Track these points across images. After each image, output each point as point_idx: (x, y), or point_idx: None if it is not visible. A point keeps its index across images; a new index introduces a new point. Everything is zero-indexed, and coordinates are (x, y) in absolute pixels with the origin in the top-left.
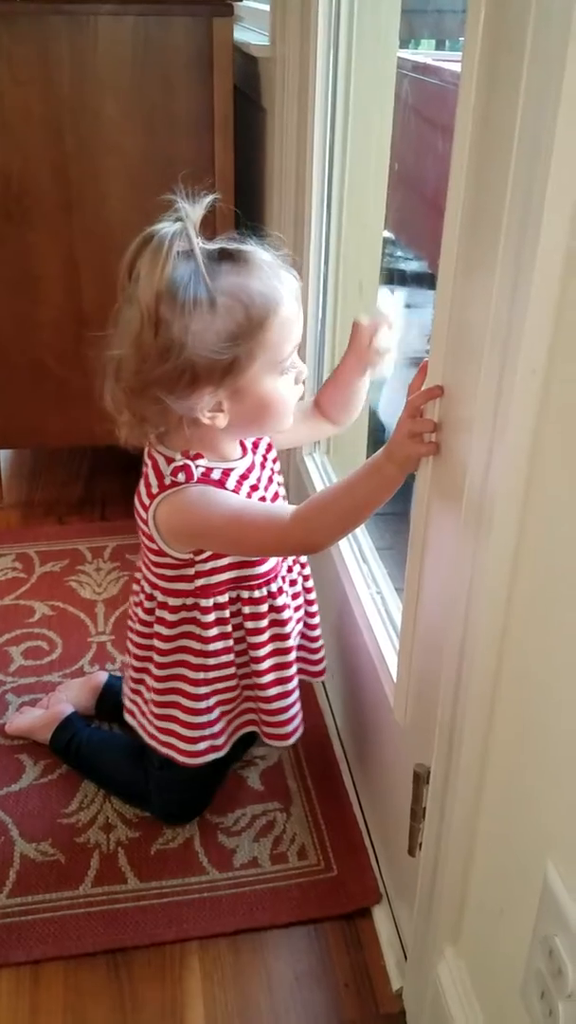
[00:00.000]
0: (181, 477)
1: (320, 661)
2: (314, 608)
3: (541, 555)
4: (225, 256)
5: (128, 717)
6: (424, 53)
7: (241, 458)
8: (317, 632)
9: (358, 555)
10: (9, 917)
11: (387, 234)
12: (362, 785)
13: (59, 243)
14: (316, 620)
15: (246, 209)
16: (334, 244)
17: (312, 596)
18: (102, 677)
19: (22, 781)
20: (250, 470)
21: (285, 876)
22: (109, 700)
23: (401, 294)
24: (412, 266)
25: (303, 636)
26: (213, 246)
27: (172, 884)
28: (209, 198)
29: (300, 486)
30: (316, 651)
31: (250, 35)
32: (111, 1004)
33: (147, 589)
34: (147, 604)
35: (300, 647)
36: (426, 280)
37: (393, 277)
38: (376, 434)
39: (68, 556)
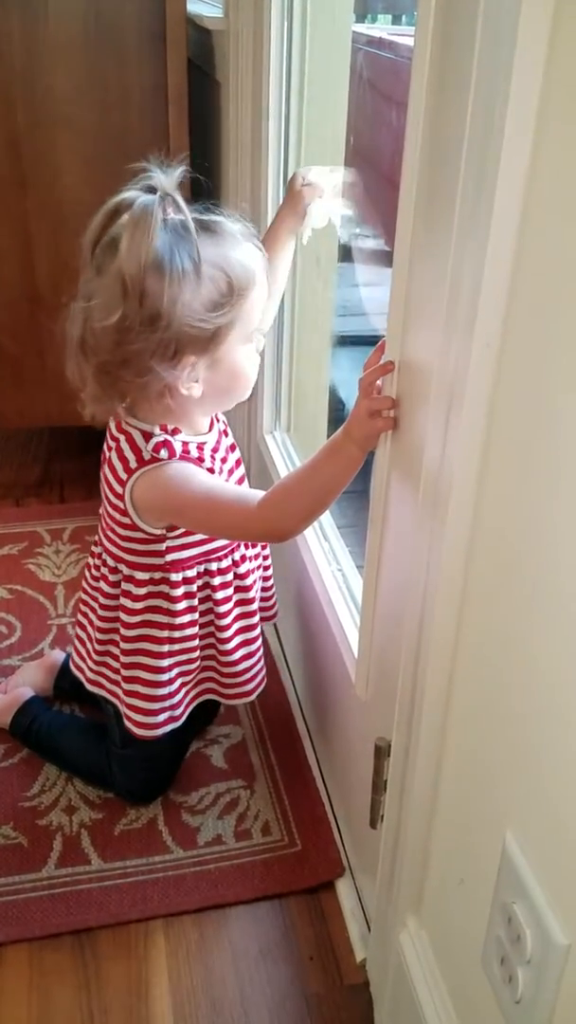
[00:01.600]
0: (164, 453)
1: (273, 605)
2: (269, 562)
3: (498, 530)
4: (201, 227)
5: (95, 688)
6: (380, 28)
7: (209, 431)
8: (269, 573)
9: (319, 533)
10: None
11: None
12: (325, 760)
13: (12, 220)
14: (268, 562)
15: (201, 183)
16: None
17: (267, 554)
18: (58, 657)
19: None
20: (218, 443)
21: (249, 852)
22: (67, 679)
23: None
24: (369, 243)
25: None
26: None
27: (136, 864)
28: (181, 168)
29: (261, 464)
30: (269, 597)
31: (203, 7)
32: (76, 983)
33: (110, 563)
34: (111, 577)
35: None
36: (383, 258)
37: (350, 254)
38: (336, 412)
39: (26, 539)
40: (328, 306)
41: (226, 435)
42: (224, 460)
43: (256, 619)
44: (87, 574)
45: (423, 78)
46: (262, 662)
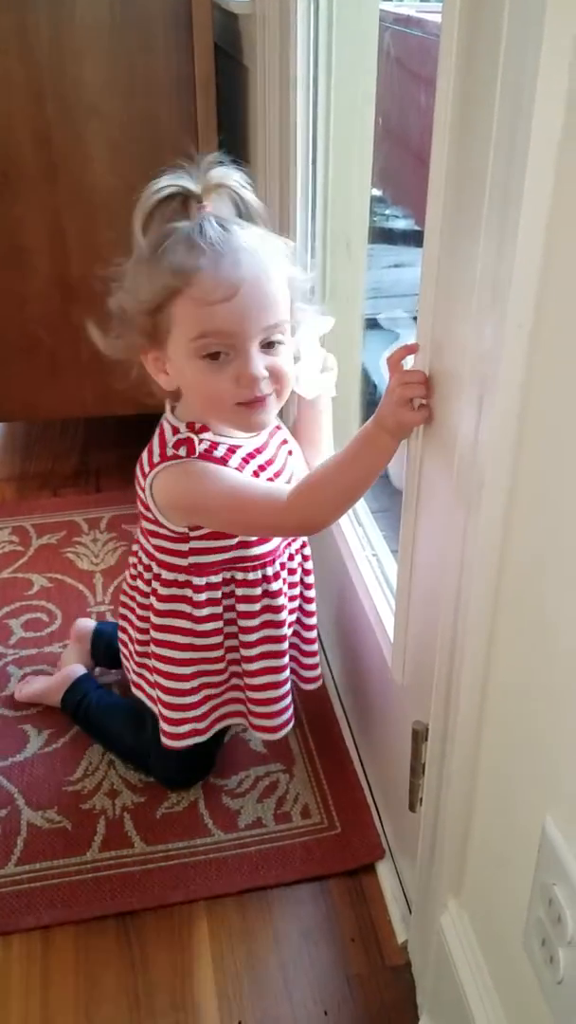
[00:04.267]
0: (182, 451)
1: (312, 668)
2: (311, 607)
3: (534, 510)
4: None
5: (136, 691)
6: (408, 5)
7: (251, 437)
8: (312, 635)
9: (353, 519)
10: (18, 884)
11: (374, 192)
12: (363, 744)
13: (44, 212)
14: (312, 621)
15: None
16: (320, 202)
17: (311, 596)
18: (88, 625)
19: (27, 751)
20: (259, 451)
21: (289, 835)
22: (101, 646)
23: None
24: (400, 224)
25: (297, 636)
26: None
27: (178, 847)
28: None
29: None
30: (309, 655)
31: None
32: (121, 966)
33: (144, 560)
34: (146, 575)
35: (292, 647)
36: (413, 238)
37: (381, 235)
38: (368, 396)
39: (64, 528)
40: (358, 289)
41: (278, 453)
42: (262, 468)
43: (284, 652)
44: (128, 572)
45: (451, 55)
46: (290, 700)
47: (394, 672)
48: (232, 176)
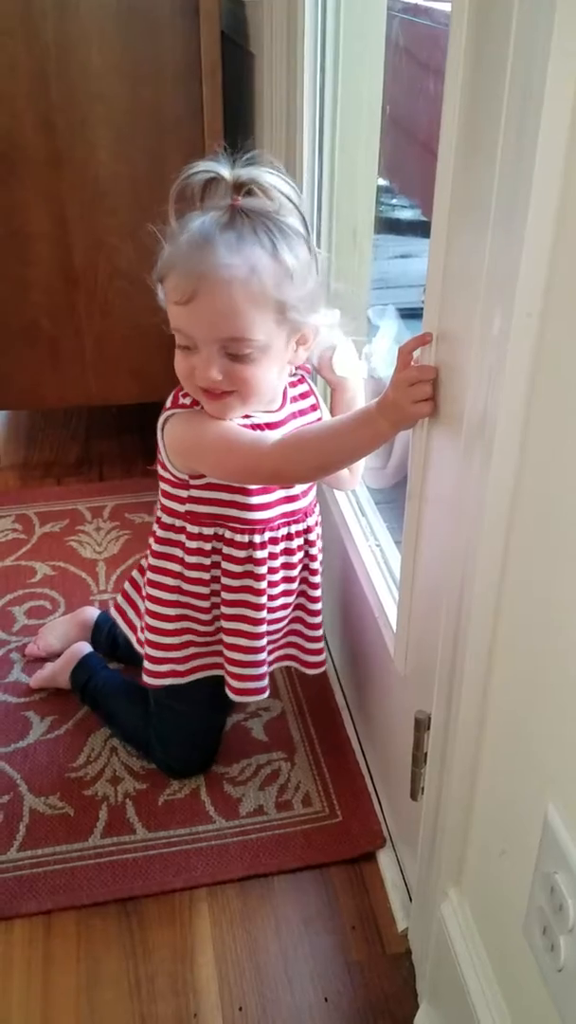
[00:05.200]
0: (187, 400)
1: (316, 653)
2: (316, 593)
3: (539, 501)
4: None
5: (135, 642)
6: None
7: (276, 411)
8: (316, 620)
9: (356, 508)
10: (20, 870)
11: (381, 181)
12: (364, 733)
13: (47, 199)
14: (317, 607)
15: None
16: (327, 191)
17: (316, 582)
18: (92, 614)
19: (29, 737)
20: (271, 425)
21: (291, 823)
22: (101, 635)
23: (391, 321)
24: (406, 214)
25: (301, 622)
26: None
27: (180, 833)
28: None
29: None
30: (313, 640)
31: None
32: (123, 951)
33: (159, 502)
34: (158, 513)
35: (293, 632)
36: (419, 228)
37: (387, 225)
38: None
39: (67, 516)
40: (365, 279)
41: (300, 416)
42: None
43: (261, 628)
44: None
45: (460, 43)
46: (263, 671)
47: (396, 662)
48: (265, 177)
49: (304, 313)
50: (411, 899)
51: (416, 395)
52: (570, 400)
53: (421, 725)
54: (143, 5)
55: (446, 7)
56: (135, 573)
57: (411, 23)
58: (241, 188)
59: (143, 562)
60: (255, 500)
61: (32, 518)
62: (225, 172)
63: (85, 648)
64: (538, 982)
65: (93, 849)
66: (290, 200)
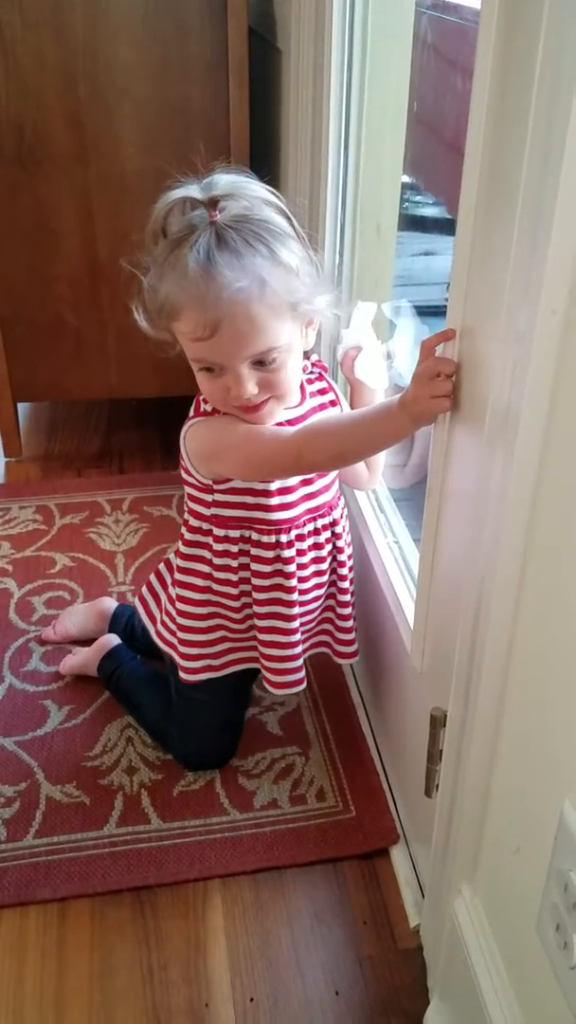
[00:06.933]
0: (210, 407)
1: (348, 644)
2: (345, 585)
3: (561, 499)
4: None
5: (158, 641)
6: None
7: (296, 406)
8: (347, 611)
9: (375, 505)
10: (36, 857)
11: (405, 178)
12: (379, 729)
13: (74, 193)
14: (347, 599)
15: (261, 153)
16: (352, 187)
17: (344, 574)
18: (110, 605)
19: (47, 726)
20: (291, 422)
21: (304, 817)
22: (118, 627)
23: (401, 306)
24: (430, 211)
25: (332, 612)
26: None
27: (194, 824)
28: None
29: None
30: (345, 631)
31: None
32: (136, 939)
33: (186, 504)
34: (185, 517)
35: (326, 620)
36: (444, 226)
37: (411, 222)
38: None
39: (87, 508)
40: (388, 276)
41: (321, 410)
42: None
43: (295, 623)
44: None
45: (490, 40)
46: (299, 664)
47: (413, 659)
48: (238, 184)
49: (311, 301)
50: (423, 895)
51: (436, 390)
52: None
53: (437, 722)
54: (171, 1)
55: (475, 4)
56: (162, 567)
57: (439, 20)
58: (216, 203)
59: (171, 555)
60: (275, 501)
61: (52, 509)
62: (195, 193)
63: (115, 639)
64: (550, 979)
65: (108, 838)
66: (260, 196)
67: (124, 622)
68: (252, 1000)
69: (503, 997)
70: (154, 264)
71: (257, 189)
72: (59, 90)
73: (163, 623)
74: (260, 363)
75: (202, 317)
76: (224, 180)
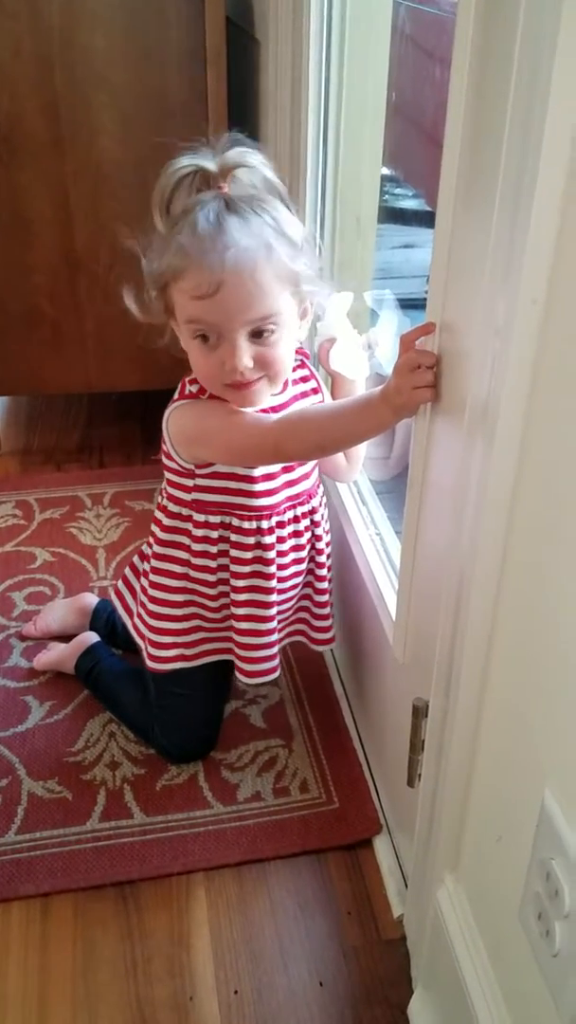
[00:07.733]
0: (195, 388)
1: (324, 631)
2: (323, 572)
3: (541, 490)
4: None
5: (131, 629)
6: None
7: (279, 393)
8: (324, 598)
9: (357, 497)
10: (18, 853)
11: (385, 171)
12: (362, 720)
13: (50, 183)
14: (324, 585)
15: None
16: (331, 178)
17: (323, 561)
18: (91, 600)
19: (28, 721)
20: (275, 409)
21: (288, 809)
22: (100, 622)
23: (381, 301)
24: (410, 203)
25: (309, 599)
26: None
27: (177, 818)
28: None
29: None
30: (322, 617)
31: None
32: (120, 933)
33: (165, 490)
34: (161, 502)
35: (303, 609)
36: (423, 219)
37: (391, 215)
38: None
39: (67, 503)
40: (368, 268)
41: (302, 398)
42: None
43: (271, 611)
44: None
45: (467, 31)
46: (274, 652)
47: (395, 650)
48: (249, 157)
49: (312, 283)
50: (407, 885)
51: (417, 381)
52: (574, 387)
53: (419, 712)
54: None
55: None
56: (136, 559)
57: (417, 10)
58: (227, 174)
59: (145, 548)
60: (259, 487)
61: (32, 504)
62: (208, 163)
63: (93, 637)
64: (533, 968)
65: (91, 833)
66: (271, 180)
67: (105, 617)
68: (236, 992)
69: (486, 985)
70: (157, 237)
71: (269, 175)
72: (35, 79)
73: (139, 615)
74: (257, 335)
75: (207, 274)
76: (240, 156)
